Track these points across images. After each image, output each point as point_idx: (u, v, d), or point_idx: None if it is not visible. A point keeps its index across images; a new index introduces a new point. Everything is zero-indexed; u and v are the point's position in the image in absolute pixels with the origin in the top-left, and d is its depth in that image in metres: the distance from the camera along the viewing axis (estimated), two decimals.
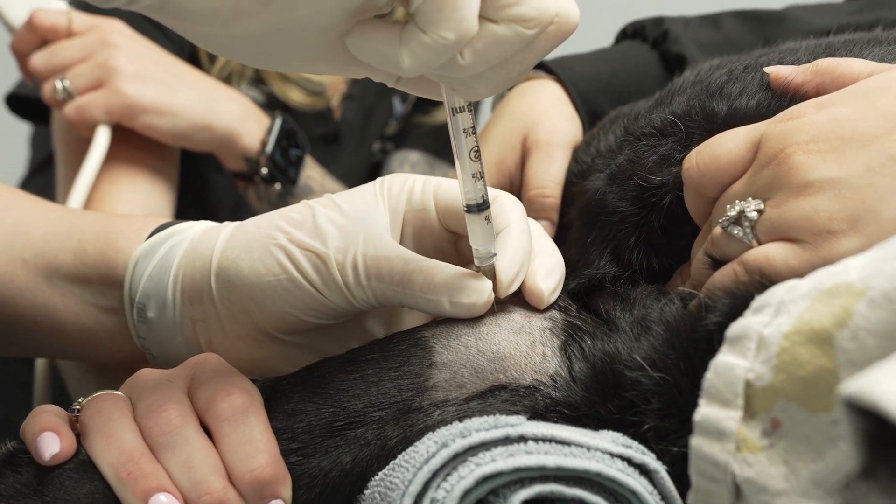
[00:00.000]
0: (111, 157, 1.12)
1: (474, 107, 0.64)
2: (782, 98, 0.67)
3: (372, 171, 1.53)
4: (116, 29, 1.13)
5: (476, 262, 0.65)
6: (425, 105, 1.53)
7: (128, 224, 0.75)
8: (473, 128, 0.62)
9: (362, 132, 1.48)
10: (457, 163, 0.63)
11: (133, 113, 1.10)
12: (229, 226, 0.71)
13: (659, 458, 0.58)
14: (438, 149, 1.55)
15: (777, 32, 0.99)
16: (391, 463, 0.60)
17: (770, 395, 0.49)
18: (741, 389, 0.50)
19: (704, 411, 0.51)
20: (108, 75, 1.10)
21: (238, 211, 1.36)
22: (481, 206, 0.64)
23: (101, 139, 1.10)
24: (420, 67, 0.53)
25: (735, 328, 0.52)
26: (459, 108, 0.61)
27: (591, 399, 0.62)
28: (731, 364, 0.51)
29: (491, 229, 0.64)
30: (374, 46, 0.53)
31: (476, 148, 0.62)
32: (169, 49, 1.18)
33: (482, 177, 0.63)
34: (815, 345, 0.48)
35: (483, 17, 0.52)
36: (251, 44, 0.54)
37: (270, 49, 0.55)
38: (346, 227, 0.66)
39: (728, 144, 0.63)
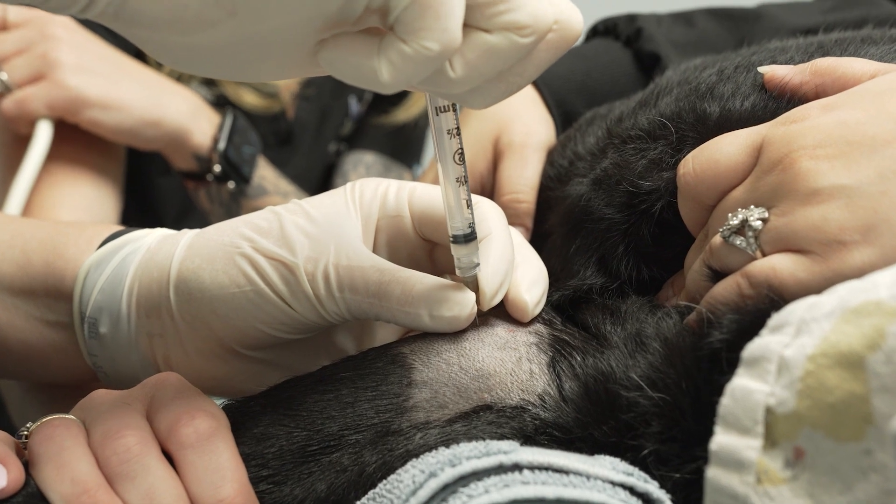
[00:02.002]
0: (52, 157, 1.07)
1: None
2: (779, 99, 0.64)
3: (326, 173, 1.48)
4: (57, 20, 1.07)
5: (458, 272, 0.61)
6: (383, 105, 1.48)
7: (77, 232, 0.69)
8: (458, 129, 0.58)
9: (317, 133, 1.43)
10: (439, 168, 0.59)
11: (77, 107, 1.04)
12: (188, 233, 0.66)
13: (661, 485, 0.54)
14: (396, 150, 1.50)
15: (753, 31, 0.97)
16: (371, 492, 0.56)
17: (794, 423, 0.45)
18: (761, 416, 0.46)
19: (721, 440, 0.47)
20: (49, 67, 1.04)
21: (184, 216, 1.31)
22: (469, 237, 0.60)
23: (43, 135, 1.04)
24: (401, 81, 0.48)
25: (752, 349, 0.48)
26: (443, 107, 0.57)
27: (584, 421, 0.58)
28: (749, 388, 0.47)
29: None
30: (349, 59, 0.49)
31: (460, 150, 0.58)
32: (114, 44, 1.13)
33: (466, 181, 0.59)
34: (844, 368, 0.44)
35: (475, 26, 0.48)
36: (213, 55, 0.49)
37: (234, 61, 0.50)
38: (316, 235, 0.62)
39: (727, 149, 0.60)
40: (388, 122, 1.49)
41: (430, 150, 1.61)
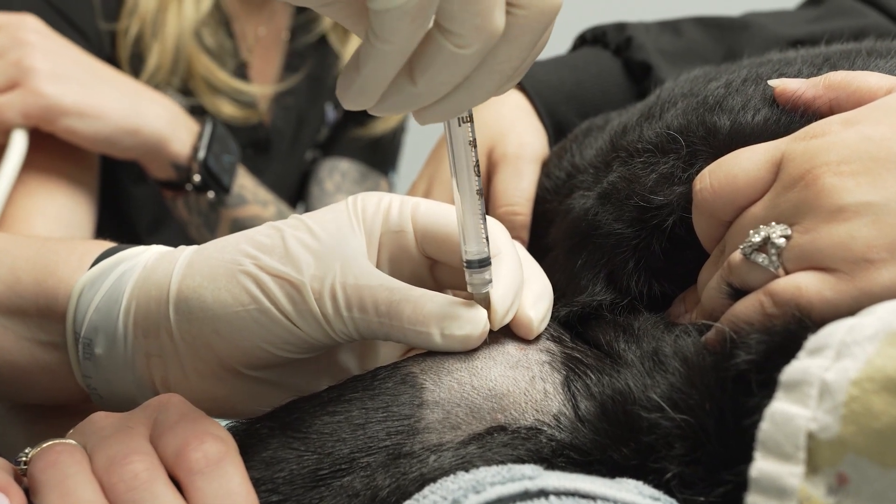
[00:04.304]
0: (26, 167, 1.04)
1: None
2: (792, 113, 0.63)
3: (302, 180, 1.46)
4: (30, 26, 1.04)
5: (469, 288, 0.60)
6: (360, 116, 1.46)
7: (68, 250, 0.67)
8: (475, 140, 0.56)
9: (294, 140, 1.41)
10: (454, 181, 0.57)
11: (53, 115, 1.01)
12: (187, 250, 0.64)
13: None
14: (372, 158, 1.49)
15: (740, 40, 0.97)
16: None
17: (837, 449, 0.44)
18: (803, 442, 0.45)
19: (761, 466, 0.46)
20: (23, 75, 1.01)
21: (159, 225, 1.28)
22: (483, 262, 0.58)
23: (18, 144, 1.01)
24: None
25: (791, 372, 0.47)
26: (463, 118, 0.55)
27: (602, 442, 0.57)
28: (789, 413, 0.46)
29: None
30: None
31: (476, 162, 0.57)
32: (87, 49, 1.10)
33: (481, 194, 0.58)
34: (890, 393, 0.43)
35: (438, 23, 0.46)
36: None
37: None
38: (321, 252, 0.60)
39: (746, 164, 0.59)
40: (365, 133, 1.47)
41: (406, 159, 1.60)
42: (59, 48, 1.05)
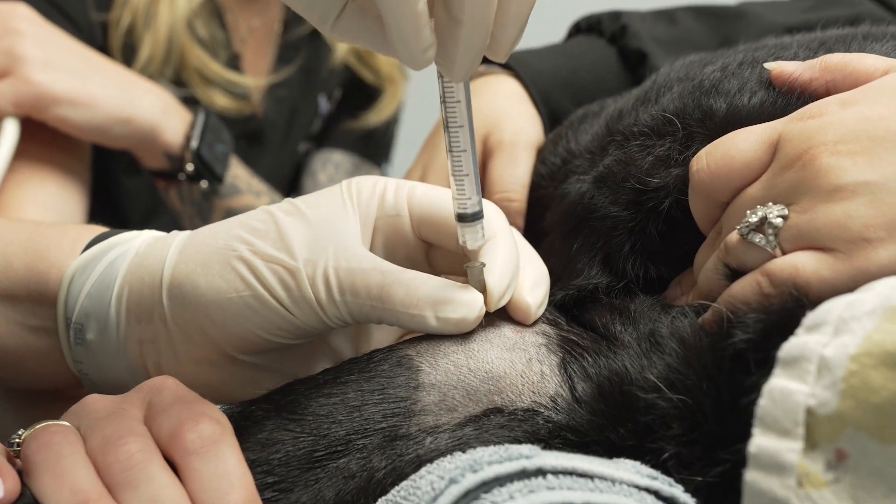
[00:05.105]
0: (16, 156, 1.03)
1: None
2: (789, 95, 0.63)
3: (296, 172, 1.45)
4: (20, 14, 1.04)
5: (461, 240, 0.59)
6: (352, 108, 1.46)
7: (60, 234, 0.66)
8: (469, 99, 0.56)
9: (287, 132, 1.41)
10: (451, 136, 0.56)
11: (44, 104, 1.01)
12: (180, 235, 0.64)
13: (683, 488, 0.53)
14: (365, 150, 1.48)
15: (735, 28, 0.97)
16: (382, 499, 0.54)
17: (836, 424, 0.44)
18: (802, 417, 0.45)
19: (760, 442, 0.46)
20: (14, 63, 1.00)
21: (152, 215, 1.27)
22: (476, 215, 0.58)
23: (9, 133, 1.00)
24: None
25: (789, 348, 0.47)
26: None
27: (600, 423, 0.57)
28: (788, 389, 0.46)
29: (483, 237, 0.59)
30: None
31: (470, 118, 0.56)
32: (78, 39, 1.09)
33: (474, 152, 0.57)
34: (889, 368, 0.43)
35: None
36: None
37: None
38: (313, 236, 0.60)
39: (742, 145, 0.59)
40: (358, 125, 1.47)
41: (399, 150, 1.60)
42: (51, 36, 1.04)
